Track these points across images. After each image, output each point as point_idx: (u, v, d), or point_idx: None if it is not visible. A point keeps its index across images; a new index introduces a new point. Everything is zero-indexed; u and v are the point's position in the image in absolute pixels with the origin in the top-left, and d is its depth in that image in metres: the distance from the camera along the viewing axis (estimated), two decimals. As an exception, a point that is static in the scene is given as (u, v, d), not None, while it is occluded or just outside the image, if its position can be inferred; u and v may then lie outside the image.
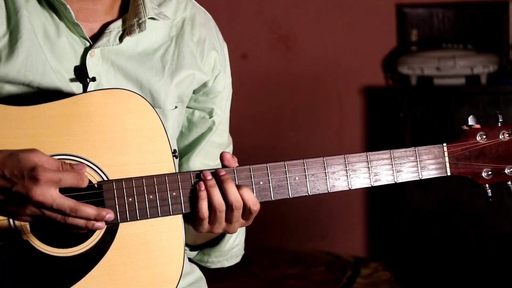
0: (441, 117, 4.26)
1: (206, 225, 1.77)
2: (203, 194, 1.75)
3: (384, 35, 4.65)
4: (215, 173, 1.76)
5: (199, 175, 1.76)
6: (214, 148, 1.98)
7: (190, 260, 2.02)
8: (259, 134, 4.75)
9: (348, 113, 4.71)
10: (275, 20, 4.71)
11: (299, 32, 4.71)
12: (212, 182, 1.75)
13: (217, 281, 2.11)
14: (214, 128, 1.97)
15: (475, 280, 4.25)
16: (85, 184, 1.63)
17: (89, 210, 1.62)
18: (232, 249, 1.98)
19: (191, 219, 1.78)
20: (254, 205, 1.76)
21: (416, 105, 4.30)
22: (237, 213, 1.76)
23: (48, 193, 1.58)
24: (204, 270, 2.05)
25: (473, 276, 4.25)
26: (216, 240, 1.96)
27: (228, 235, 1.94)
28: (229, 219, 1.77)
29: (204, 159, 1.97)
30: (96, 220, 1.63)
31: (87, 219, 1.62)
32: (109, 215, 1.64)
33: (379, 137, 4.68)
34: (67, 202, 1.60)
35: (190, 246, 1.98)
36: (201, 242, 1.97)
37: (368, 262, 4.36)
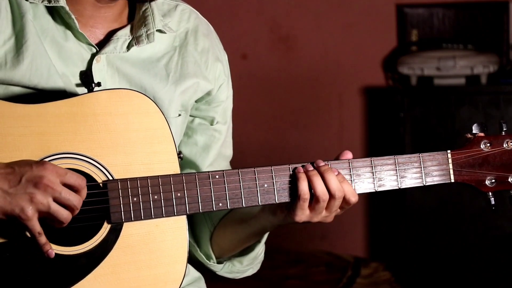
0: (441, 117, 4.25)
1: (307, 211, 1.80)
2: (303, 175, 1.78)
3: (384, 35, 4.64)
4: (313, 165, 1.80)
5: (203, 176, 1.77)
6: (223, 160, 2.01)
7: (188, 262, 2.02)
8: (259, 134, 4.75)
9: (348, 113, 4.71)
10: (275, 20, 4.71)
11: (299, 32, 4.70)
12: (314, 172, 1.78)
13: (216, 281, 2.10)
14: (221, 138, 1.99)
15: (476, 280, 4.25)
16: (84, 191, 1.66)
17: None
18: (260, 254, 2.01)
19: (291, 207, 1.80)
20: (353, 196, 1.80)
21: (416, 105, 4.29)
22: (338, 202, 1.79)
23: (56, 181, 1.62)
24: (203, 270, 2.05)
25: (473, 277, 4.25)
26: (249, 247, 1.98)
27: (261, 242, 1.96)
28: (329, 208, 1.80)
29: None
30: None
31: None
32: None
33: (379, 137, 4.68)
34: (74, 194, 1.64)
35: (220, 258, 1.99)
36: (239, 250, 1.98)
37: (368, 262, 4.36)
